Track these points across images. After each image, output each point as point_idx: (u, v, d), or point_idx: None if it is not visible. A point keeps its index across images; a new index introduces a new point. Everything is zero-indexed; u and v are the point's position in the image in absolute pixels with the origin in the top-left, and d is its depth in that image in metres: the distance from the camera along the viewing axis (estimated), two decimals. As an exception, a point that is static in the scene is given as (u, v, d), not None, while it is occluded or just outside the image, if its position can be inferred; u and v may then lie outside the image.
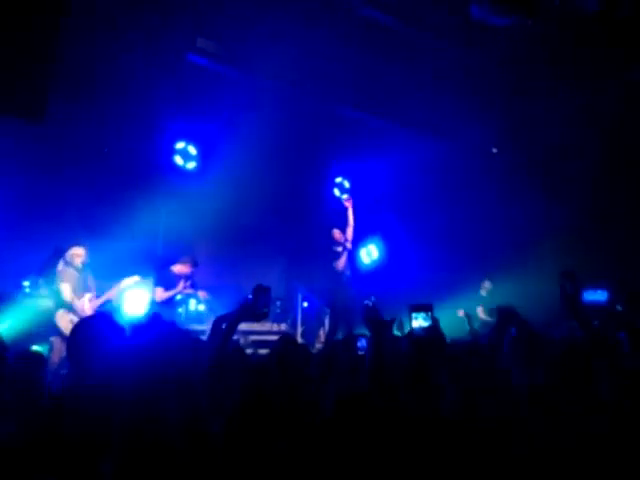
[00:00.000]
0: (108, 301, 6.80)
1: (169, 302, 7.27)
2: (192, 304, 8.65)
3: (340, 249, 8.08)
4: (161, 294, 7.12)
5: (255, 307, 2.67)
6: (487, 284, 9.65)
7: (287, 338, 3.82)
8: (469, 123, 9.58)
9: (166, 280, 7.20)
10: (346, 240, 8.16)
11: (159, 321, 2.59)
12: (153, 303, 7.07)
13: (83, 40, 6.65)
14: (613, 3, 5.79)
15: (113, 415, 1.95)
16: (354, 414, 1.89)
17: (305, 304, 9.53)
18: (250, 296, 2.71)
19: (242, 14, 7.21)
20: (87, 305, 6.52)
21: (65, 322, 6.30)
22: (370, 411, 1.89)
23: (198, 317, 8.60)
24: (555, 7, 6.33)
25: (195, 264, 7.44)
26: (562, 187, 10.24)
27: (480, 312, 8.89)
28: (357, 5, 7.02)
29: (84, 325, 2.48)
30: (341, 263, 8.06)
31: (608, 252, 9.08)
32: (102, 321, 2.48)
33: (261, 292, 2.71)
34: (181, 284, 7.27)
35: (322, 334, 8.46)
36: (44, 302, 6.59)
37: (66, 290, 6.38)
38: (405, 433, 1.83)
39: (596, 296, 9.53)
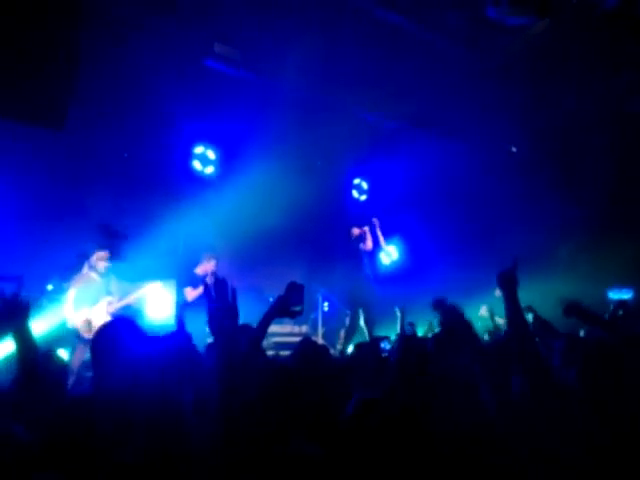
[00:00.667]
0: (128, 306, 6.90)
1: (198, 303, 7.35)
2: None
3: (362, 245, 8.28)
4: (191, 293, 7.14)
5: (288, 304, 2.69)
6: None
7: (308, 341, 3.87)
8: (487, 123, 9.52)
9: (192, 282, 7.22)
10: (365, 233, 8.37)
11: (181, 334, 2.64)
12: (184, 304, 7.11)
13: (101, 47, 6.75)
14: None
15: (132, 420, 1.98)
16: (377, 415, 1.87)
17: (326, 305, 9.56)
18: (283, 294, 2.73)
19: (258, 19, 7.24)
20: (105, 309, 6.61)
21: (80, 321, 6.40)
22: (394, 412, 1.88)
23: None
24: (572, 5, 6.27)
25: (216, 257, 7.51)
26: (581, 186, 10.14)
27: (483, 311, 8.75)
28: (373, 8, 7.02)
29: (106, 330, 2.51)
30: (368, 244, 8.36)
31: (629, 251, 8.96)
32: (123, 326, 2.51)
33: (295, 289, 2.73)
34: (208, 280, 7.32)
35: (343, 335, 8.49)
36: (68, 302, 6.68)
37: (68, 300, 6.46)
38: (432, 437, 1.81)
39: (621, 294, 9.44)
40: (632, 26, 5.86)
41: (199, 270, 7.38)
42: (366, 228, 8.47)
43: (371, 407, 1.93)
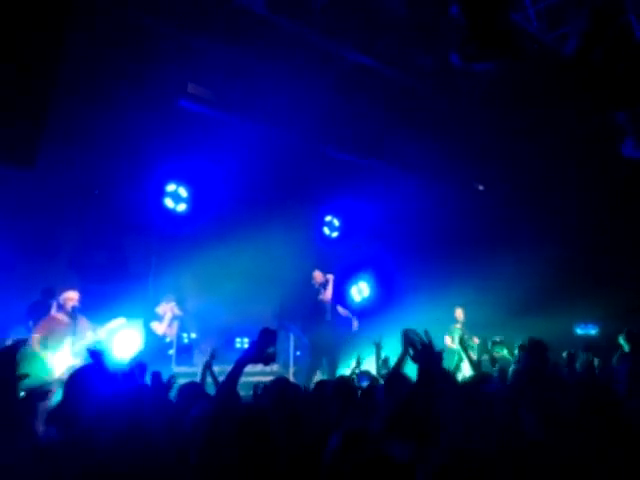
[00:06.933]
0: (95, 343, 6.74)
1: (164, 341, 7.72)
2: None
3: (321, 294, 8.28)
4: (159, 327, 7.62)
5: (261, 350, 2.71)
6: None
7: (282, 380, 3.81)
8: (454, 162, 9.74)
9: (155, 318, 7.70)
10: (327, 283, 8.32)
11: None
12: (154, 340, 7.51)
13: (74, 85, 6.73)
14: (590, 46, 6.00)
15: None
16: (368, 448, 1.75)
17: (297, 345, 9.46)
18: (256, 339, 2.74)
19: (232, 60, 7.36)
20: (69, 350, 6.46)
21: (58, 364, 6.23)
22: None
23: (188, 358, 8.57)
24: (534, 50, 6.55)
25: (175, 299, 7.89)
26: (549, 223, 10.39)
27: (448, 341, 8.76)
28: (345, 52, 7.21)
29: (78, 376, 2.50)
30: (327, 294, 8.34)
31: (597, 286, 9.16)
32: (93, 372, 2.50)
33: (267, 335, 2.75)
34: (168, 315, 7.65)
35: (315, 374, 8.39)
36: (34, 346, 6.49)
37: (35, 341, 6.28)
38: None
39: (587, 330, 9.63)
40: (592, 70, 6.13)
41: (159, 310, 7.78)
42: (329, 276, 8.45)
43: (360, 439, 1.83)
